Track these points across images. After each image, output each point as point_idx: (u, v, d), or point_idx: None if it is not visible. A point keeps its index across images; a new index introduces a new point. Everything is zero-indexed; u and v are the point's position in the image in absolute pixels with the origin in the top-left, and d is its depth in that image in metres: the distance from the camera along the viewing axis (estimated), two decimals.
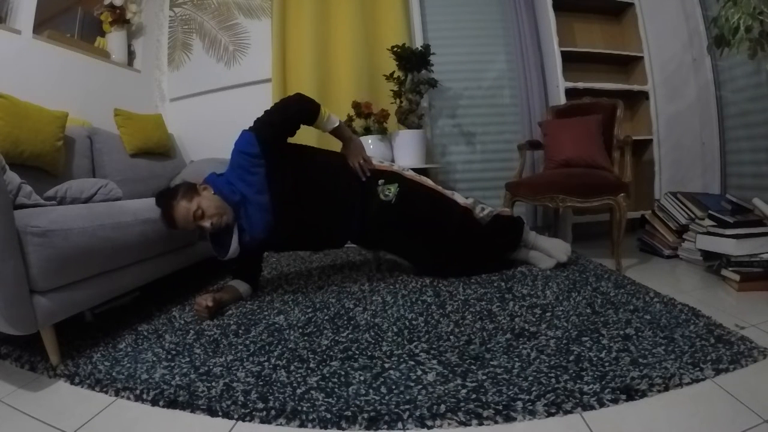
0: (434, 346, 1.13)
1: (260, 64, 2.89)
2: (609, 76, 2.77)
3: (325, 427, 0.83)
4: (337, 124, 1.65)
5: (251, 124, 1.56)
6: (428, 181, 1.77)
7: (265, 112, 1.58)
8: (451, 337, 1.18)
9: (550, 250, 1.80)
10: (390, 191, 1.64)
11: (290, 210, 1.55)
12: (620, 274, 1.74)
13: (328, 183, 1.62)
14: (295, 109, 1.58)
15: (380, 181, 1.66)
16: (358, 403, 0.88)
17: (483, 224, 1.76)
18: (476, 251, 1.77)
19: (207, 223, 1.45)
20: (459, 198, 1.78)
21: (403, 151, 2.50)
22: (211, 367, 1.08)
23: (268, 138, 1.52)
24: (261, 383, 0.99)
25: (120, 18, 2.70)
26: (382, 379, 0.97)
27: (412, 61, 2.49)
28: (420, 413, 0.84)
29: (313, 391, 0.94)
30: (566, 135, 2.19)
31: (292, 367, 1.06)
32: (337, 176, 1.64)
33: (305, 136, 1.72)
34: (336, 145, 1.75)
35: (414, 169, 1.78)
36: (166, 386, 1.00)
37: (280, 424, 0.86)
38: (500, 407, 0.84)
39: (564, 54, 2.58)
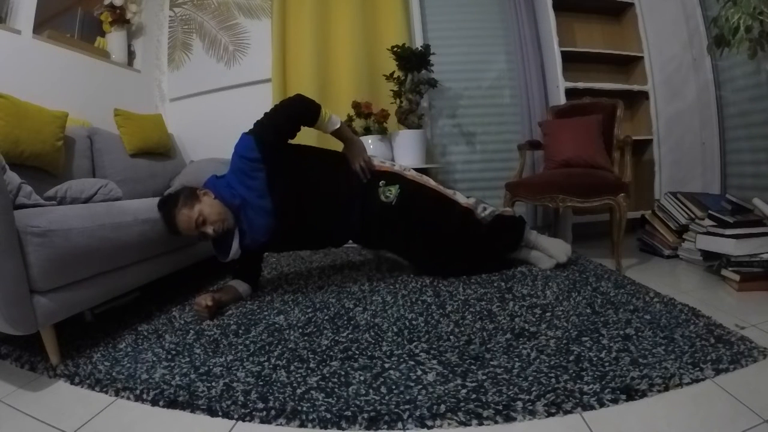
0: (434, 346, 1.13)
1: (260, 64, 2.89)
2: (609, 76, 2.77)
3: (325, 427, 0.83)
4: (338, 125, 1.63)
5: (251, 127, 1.54)
6: (430, 181, 1.76)
7: (265, 114, 1.57)
8: (451, 337, 1.18)
9: (550, 250, 1.80)
10: (391, 193, 1.63)
11: (292, 213, 1.55)
12: (620, 274, 1.74)
13: (328, 184, 1.62)
14: (296, 111, 1.57)
15: (381, 183, 1.65)
16: (358, 403, 0.88)
17: (484, 224, 1.76)
18: (477, 251, 1.76)
19: (209, 230, 1.44)
20: (461, 198, 1.77)
21: (403, 151, 2.50)
22: (211, 367, 1.08)
23: (268, 141, 1.50)
24: (261, 383, 0.99)
25: (120, 18, 2.70)
26: (382, 379, 0.97)
27: (412, 61, 2.49)
28: (420, 413, 0.84)
29: (313, 391, 0.94)
30: (566, 135, 2.19)
31: (292, 367, 1.06)
32: (338, 177, 1.63)
33: (305, 135, 1.72)
34: (336, 146, 1.74)
35: (414, 169, 1.78)
36: (166, 386, 1.00)
37: (280, 424, 0.86)
38: (500, 407, 0.84)
39: (564, 54, 2.58)
